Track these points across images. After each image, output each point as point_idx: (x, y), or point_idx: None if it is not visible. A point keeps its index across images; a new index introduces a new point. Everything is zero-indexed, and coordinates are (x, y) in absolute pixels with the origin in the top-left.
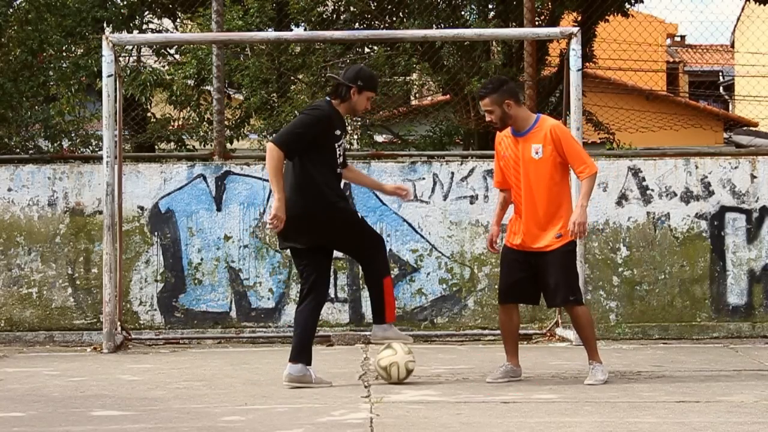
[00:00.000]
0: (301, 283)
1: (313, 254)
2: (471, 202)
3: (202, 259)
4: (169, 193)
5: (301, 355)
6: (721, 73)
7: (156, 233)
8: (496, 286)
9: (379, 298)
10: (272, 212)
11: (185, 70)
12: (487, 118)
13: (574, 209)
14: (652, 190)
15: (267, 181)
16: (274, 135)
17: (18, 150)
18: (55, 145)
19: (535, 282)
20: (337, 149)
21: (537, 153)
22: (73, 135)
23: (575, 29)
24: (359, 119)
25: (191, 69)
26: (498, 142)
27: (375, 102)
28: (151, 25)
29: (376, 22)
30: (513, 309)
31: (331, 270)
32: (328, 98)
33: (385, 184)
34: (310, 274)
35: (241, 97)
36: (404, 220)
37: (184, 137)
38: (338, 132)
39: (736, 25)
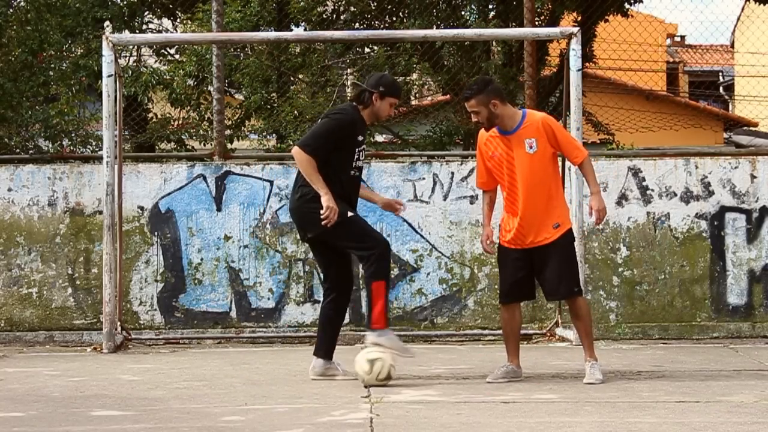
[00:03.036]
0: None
1: (323, 246)
2: (471, 202)
3: (202, 259)
4: (169, 193)
5: (322, 350)
6: (721, 73)
7: (156, 233)
8: (496, 287)
9: (368, 301)
10: (325, 204)
11: (184, 67)
12: (474, 119)
13: (592, 197)
14: (652, 190)
15: (267, 181)
16: (300, 139)
17: (18, 150)
18: (56, 145)
19: (532, 278)
20: (356, 153)
21: (531, 147)
22: (73, 135)
23: (575, 29)
24: None
25: (191, 66)
26: (483, 142)
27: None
28: (151, 25)
29: (376, 22)
30: (516, 308)
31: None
32: (353, 103)
33: (377, 197)
34: (326, 267)
35: (241, 97)
36: (404, 220)
37: (184, 137)
38: (360, 137)
39: (736, 25)
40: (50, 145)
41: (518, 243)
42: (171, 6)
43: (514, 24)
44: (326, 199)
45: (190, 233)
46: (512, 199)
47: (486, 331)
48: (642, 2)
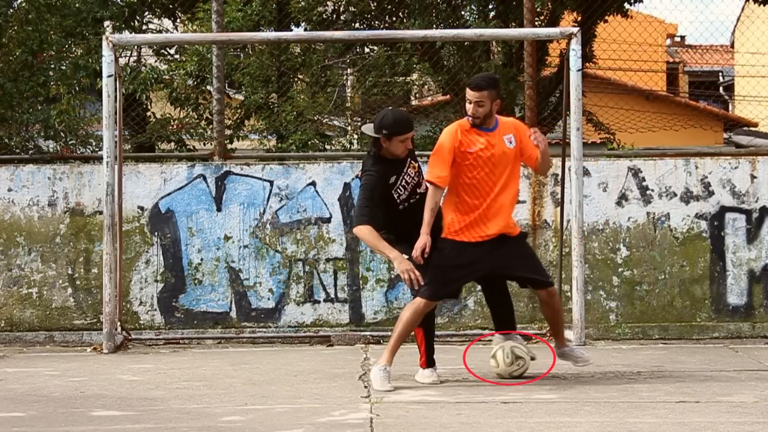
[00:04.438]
0: None
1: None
2: None
3: (202, 259)
4: (169, 194)
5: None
6: (721, 74)
7: (156, 233)
8: None
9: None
10: (399, 270)
11: (185, 66)
12: (473, 110)
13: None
14: (652, 190)
15: (267, 181)
16: (354, 220)
17: (18, 150)
18: (60, 142)
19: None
20: (393, 194)
21: (511, 142)
22: (69, 135)
23: (575, 29)
24: (359, 118)
25: (191, 66)
26: (458, 139)
27: (376, 102)
28: (151, 25)
29: (376, 22)
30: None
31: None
32: (373, 149)
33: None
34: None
35: (241, 97)
36: None
37: (184, 137)
38: (392, 180)
39: (736, 26)
40: (55, 145)
41: (491, 234)
42: (171, 6)
43: (514, 24)
44: (397, 264)
45: (190, 233)
46: (484, 195)
47: (486, 331)
48: (642, 2)
